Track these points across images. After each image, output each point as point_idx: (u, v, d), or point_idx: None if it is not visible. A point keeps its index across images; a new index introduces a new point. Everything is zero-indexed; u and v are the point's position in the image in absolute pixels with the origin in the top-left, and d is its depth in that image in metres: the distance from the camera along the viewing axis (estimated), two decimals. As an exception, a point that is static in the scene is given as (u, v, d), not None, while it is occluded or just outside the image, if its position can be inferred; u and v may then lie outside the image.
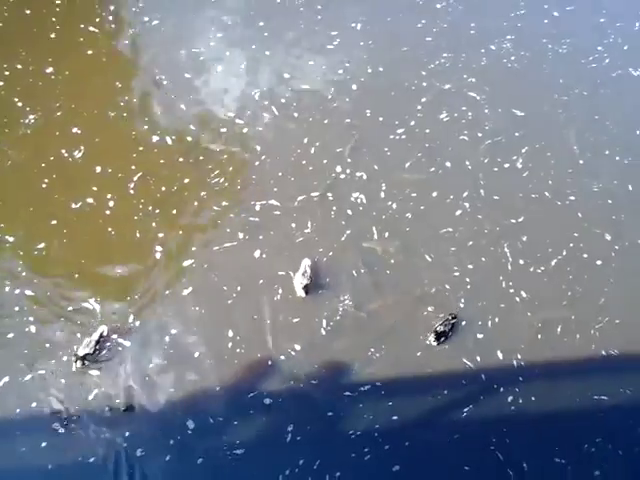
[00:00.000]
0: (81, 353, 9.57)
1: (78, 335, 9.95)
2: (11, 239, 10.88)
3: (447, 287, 10.73)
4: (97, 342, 9.68)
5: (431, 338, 10.03)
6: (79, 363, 9.55)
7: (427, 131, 12.53)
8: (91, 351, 9.59)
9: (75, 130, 12.05)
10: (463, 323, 10.34)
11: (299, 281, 10.42)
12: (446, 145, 12.37)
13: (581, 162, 12.30)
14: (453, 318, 10.21)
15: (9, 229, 10.97)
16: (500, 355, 10.11)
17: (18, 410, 9.31)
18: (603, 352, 10.18)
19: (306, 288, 10.36)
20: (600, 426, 9.61)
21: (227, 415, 9.45)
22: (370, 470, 9.16)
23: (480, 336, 10.27)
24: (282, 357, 9.92)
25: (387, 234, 11.23)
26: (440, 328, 10.07)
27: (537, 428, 9.55)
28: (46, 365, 9.70)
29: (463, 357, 10.07)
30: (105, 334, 9.82)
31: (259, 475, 9.07)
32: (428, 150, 12.26)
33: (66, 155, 11.77)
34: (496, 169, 12.14)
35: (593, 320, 10.49)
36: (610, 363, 10.10)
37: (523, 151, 12.32)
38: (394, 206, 11.55)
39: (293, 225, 11.24)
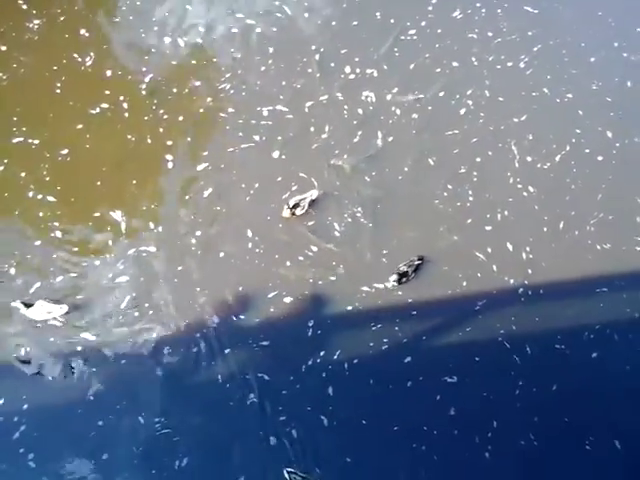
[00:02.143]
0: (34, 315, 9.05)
1: (109, 243, 9.82)
2: (36, 142, 10.51)
3: (449, 187, 10.51)
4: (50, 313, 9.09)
5: (392, 278, 9.60)
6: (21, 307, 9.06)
7: (439, 31, 12.00)
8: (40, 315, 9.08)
9: (83, 32, 11.43)
10: (469, 221, 10.20)
11: (292, 202, 9.97)
12: (455, 44, 11.88)
13: (592, 60, 11.89)
14: (419, 260, 9.78)
15: (33, 132, 10.57)
16: (510, 247, 10.04)
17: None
18: (598, 247, 10.15)
19: (293, 211, 9.93)
20: (599, 315, 9.69)
21: (250, 313, 9.43)
22: (385, 359, 9.23)
23: (488, 228, 10.19)
24: (300, 257, 9.81)
25: (391, 138, 10.88)
26: (403, 268, 9.66)
27: (542, 319, 9.60)
28: (76, 268, 9.60)
29: (474, 250, 10.00)
30: (65, 312, 9.11)
31: (283, 364, 9.12)
32: (438, 50, 11.79)
33: (78, 59, 11.21)
34: (499, 67, 11.73)
35: (590, 215, 10.41)
36: (605, 257, 10.08)
37: (535, 50, 11.87)
38: (399, 110, 11.16)
39: (312, 129, 10.89)
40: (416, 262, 9.73)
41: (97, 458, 8.48)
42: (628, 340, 9.50)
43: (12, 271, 9.53)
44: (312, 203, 10.09)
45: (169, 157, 10.55)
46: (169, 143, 10.67)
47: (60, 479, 8.39)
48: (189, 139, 10.75)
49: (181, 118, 10.92)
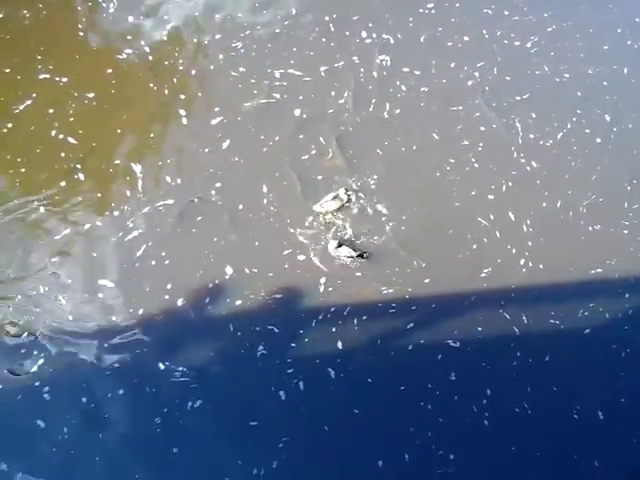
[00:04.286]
0: None
1: (127, 193, 9.75)
2: (64, 79, 10.37)
3: (452, 161, 10.55)
4: None
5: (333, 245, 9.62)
6: None
7: (457, 5, 12.06)
8: None
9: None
10: (473, 192, 10.29)
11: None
12: (470, 19, 11.93)
13: (605, 47, 12.05)
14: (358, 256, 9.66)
15: (60, 71, 10.41)
16: (512, 217, 10.19)
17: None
18: (590, 228, 10.31)
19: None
20: (594, 294, 9.85)
21: (263, 267, 9.44)
22: (392, 321, 9.34)
23: (491, 197, 10.33)
24: (314, 223, 9.84)
25: (398, 110, 10.88)
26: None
27: (539, 292, 9.73)
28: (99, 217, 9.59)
29: (478, 216, 10.15)
30: None
31: (293, 318, 9.19)
32: (452, 24, 11.84)
33: (103, 4, 11.07)
34: (506, 41, 11.80)
35: (584, 196, 10.57)
36: (597, 239, 10.23)
37: (549, 30, 12.00)
38: (410, 82, 11.17)
39: (332, 93, 10.89)
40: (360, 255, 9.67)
41: (114, 393, 8.58)
42: (617, 319, 9.74)
43: (42, 209, 9.50)
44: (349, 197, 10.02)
45: (182, 112, 10.44)
46: (182, 97, 10.57)
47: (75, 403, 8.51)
48: (200, 94, 10.66)
49: (194, 72, 10.83)
